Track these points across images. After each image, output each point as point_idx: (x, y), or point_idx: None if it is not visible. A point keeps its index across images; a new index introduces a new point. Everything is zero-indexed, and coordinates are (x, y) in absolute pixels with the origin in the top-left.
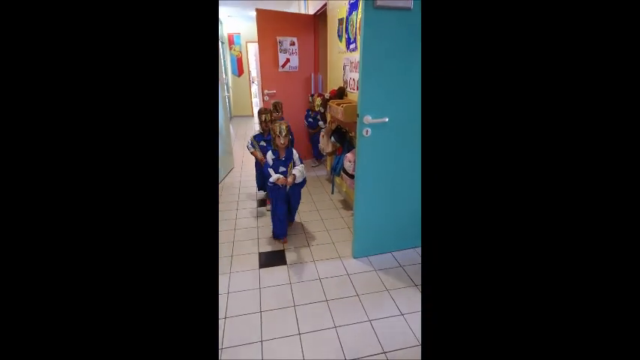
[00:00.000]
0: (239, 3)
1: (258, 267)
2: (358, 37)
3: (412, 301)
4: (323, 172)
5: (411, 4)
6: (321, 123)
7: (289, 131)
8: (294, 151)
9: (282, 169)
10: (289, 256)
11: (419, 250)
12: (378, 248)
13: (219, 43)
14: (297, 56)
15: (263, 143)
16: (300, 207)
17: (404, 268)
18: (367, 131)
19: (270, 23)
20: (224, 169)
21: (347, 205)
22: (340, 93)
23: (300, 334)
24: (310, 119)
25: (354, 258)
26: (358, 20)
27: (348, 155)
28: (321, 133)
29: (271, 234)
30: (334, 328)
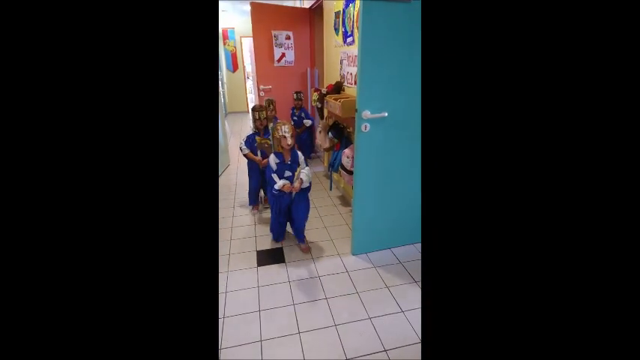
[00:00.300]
0: None
1: (256, 265)
2: (355, 31)
3: (412, 297)
4: (320, 168)
5: None
6: (306, 121)
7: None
8: (299, 153)
9: (287, 173)
10: (287, 254)
11: (418, 246)
12: (377, 245)
13: None
14: (292, 51)
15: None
16: None
17: (403, 264)
18: (366, 126)
19: (265, 17)
20: (220, 167)
21: (345, 201)
22: (337, 88)
23: (299, 332)
24: (295, 117)
25: (353, 255)
26: (356, 13)
27: (346, 151)
28: (318, 129)
29: (269, 232)
30: (334, 327)
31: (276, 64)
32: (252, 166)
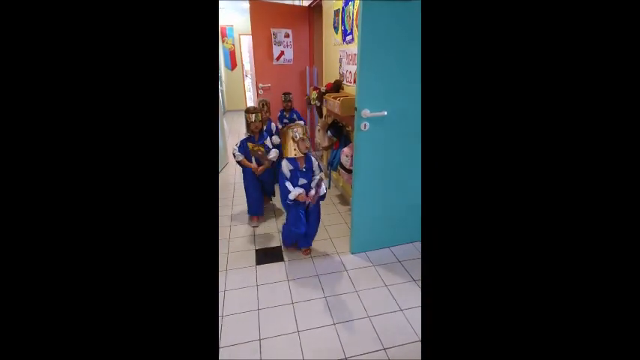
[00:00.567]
0: None
1: (254, 264)
2: (355, 29)
3: (411, 296)
4: None
5: None
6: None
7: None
8: (313, 158)
9: (302, 181)
10: (286, 253)
11: (417, 244)
12: (375, 243)
13: None
14: (291, 49)
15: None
16: None
17: (402, 263)
18: (365, 125)
19: (264, 15)
20: (218, 165)
21: (344, 200)
22: (336, 86)
23: (298, 331)
24: (286, 120)
25: (352, 253)
26: (355, 11)
27: (345, 150)
28: (317, 127)
29: (269, 231)
30: (333, 325)
31: (275, 62)
32: (247, 174)
